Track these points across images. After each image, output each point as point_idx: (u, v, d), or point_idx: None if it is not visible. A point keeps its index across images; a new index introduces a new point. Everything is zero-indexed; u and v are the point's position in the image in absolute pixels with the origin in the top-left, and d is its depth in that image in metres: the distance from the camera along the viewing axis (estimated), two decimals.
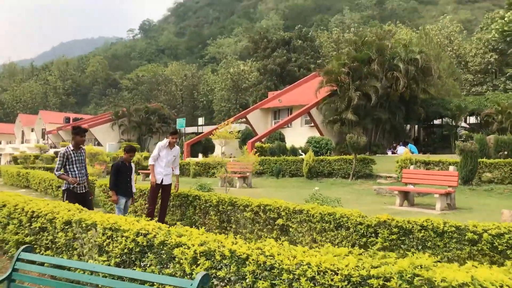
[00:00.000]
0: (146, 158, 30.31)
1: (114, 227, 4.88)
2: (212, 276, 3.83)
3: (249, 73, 70.41)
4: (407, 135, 35.22)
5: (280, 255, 3.62)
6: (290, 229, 7.13)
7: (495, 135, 21.33)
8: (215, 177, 22.29)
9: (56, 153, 42.21)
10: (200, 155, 33.72)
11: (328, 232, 6.62)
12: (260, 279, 3.54)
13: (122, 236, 4.69)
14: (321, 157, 21.60)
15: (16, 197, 7.51)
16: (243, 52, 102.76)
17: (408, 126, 36.29)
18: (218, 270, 3.85)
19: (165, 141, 8.83)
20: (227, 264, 3.81)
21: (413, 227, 5.94)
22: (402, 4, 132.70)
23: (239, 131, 17.28)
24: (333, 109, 31.45)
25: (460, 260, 5.57)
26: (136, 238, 4.56)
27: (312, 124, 34.50)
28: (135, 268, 4.55)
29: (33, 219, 6.26)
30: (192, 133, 50.07)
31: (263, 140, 30.23)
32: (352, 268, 3.28)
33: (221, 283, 3.82)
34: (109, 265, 4.70)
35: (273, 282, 3.48)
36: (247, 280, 3.61)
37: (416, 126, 37.58)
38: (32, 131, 71.87)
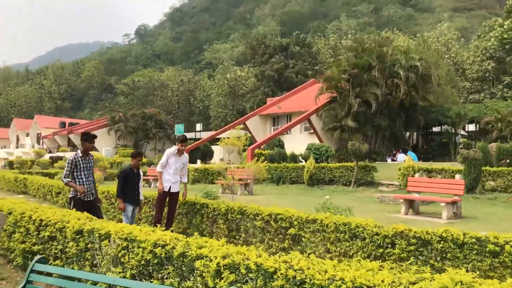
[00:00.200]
0: (143, 164, 30.14)
1: (130, 237, 4.73)
2: None
3: (246, 79, 70.30)
4: (406, 142, 35.17)
5: (310, 269, 3.49)
6: (303, 239, 6.99)
7: (497, 143, 21.29)
8: (214, 183, 22.12)
9: (52, 158, 41.92)
10: (199, 161, 33.54)
11: (343, 243, 6.48)
12: None
13: (139, 247, 4.54)
14: (322, 164, 21.48)
15: (22, 204, 7.34)
16: (239, 58, 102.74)
17: (408, 134, 36.24)
18: (243, 284, 3.71)
19: (173, 148, 8.67)
20: (253, 278, 3.67)
21: (431, 238, 5.81)
22: (399, 11, 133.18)
23: (247, 138, 17.01)
24: (333, 116, 31.37)
25: (481, 272, 5.45)
26: (154, 250, 4.41)
27: (312, 131, 34.40)
28: (152, 280, 4.40)
29: (41, 227, 6.10)
30: (190, 139, 49.86)
31: (262, 146, 30.11)
32: (389, 284, 3.14)
33: None
34: (124, 277, 4.54)
35: None
36: None
37: (415, 134, 37.56)
38: (27, 135, 71.44)
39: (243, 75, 71.07)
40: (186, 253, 4.16)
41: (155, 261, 4.38)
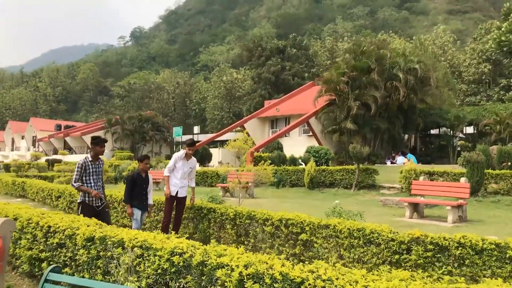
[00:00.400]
0: None
1: (145, 245, 4.59)
2: None
3: (243, 81, 70.25)
4: (404, 145, 35.14)
5: (339, 279, 3.35)
6: (315, 245, 6.85)
7: (498, 146, 21.26)
8: (213, 186, 21.97)
9: (48, 161, 41.62)
10: (197, 164, 33.39)
11: (357, 249, 6.35)
12: None
13: (155, 255, 4.39)
14: (323, 167, 21.38)
15: (27, 210, 7.18)
16: (235, 60, 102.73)
17: (406, 136, 36.21)
18: None
19: (181, 152, 8.52)
20: None
21: (449, 244, 5.69)
22: (394, 14, 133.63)
23: (253, 141, 16.93)
24: (332, 118, 31.29)
25: (502, 279, 5.33)
26: (171, 258, 4.26)
27: (310, 134, 34.33)
28: None
29: (49, 234, 5.93)
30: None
31: (260, 149, 30.00)
32: None
33: None
34: (139, 286, 4.40)
35: None
36: None
37: (413, 136, 37.55)
38: (22, 138, 71.03)
39: (239, 77, 71.00)
40: (206, 262, 4.02)
41: (173, 270, 4.23)
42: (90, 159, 7.46)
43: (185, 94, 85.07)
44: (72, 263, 5.49)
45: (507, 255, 5.37)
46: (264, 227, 7.59)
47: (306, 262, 4.49)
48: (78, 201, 7.52)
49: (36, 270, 6.18)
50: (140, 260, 4.53)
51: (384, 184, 19.56)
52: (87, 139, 52.75)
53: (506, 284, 3.09)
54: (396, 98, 29.41)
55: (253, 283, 3.64)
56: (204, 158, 33.88)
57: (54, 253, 5.81)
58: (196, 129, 49.02)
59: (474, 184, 15.58)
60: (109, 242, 4.92)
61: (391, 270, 3.86)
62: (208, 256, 4.09)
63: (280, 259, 3.93)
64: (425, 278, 3.47)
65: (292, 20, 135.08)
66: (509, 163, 18.76)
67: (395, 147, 32.80)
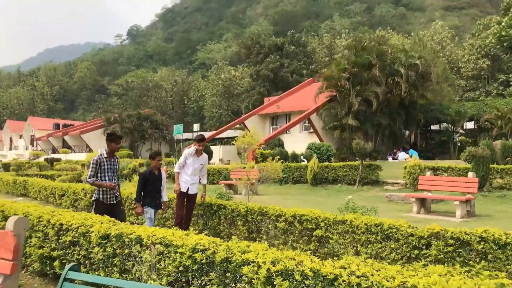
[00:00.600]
0: (141, 165, 29.77)
1: (165, 242, 4.46)
2: None
3: (241, 78, 70.06)
4: (405, 140, 35.05)
5: (375, 276, 3.23)
6: (330, 241, 6.74)
7: (502, 141, 21.16)
8: (214, 183, 21.84)
9: (47, 159, 41.39)
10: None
11: (375, 244, 6.24)
12: None
13: (176, 252, 4.26)
14: (325, 164, 21.25)
15: (36, 207, 7.04)
16: (233, 58, 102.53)
17: (407, 132, 36.11)
18: None
19: (192, 149, 8.36)
20: (310, 285, 3.41)
21: (471, 238, 5.58)
22: (391, 10, 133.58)
23: (266, 140, 16.76)
24: (333, 114, 31.17)
25: None
26: (193, 255, 4.14)
27: (311, 130, 34.20)
28: None
29: (61, 232, 5.79)
30: (185, 139, 49.48)
31: (261, 146, 29.88)
32: None
33: None
34: (160, 284, 4.27)
35: None
36: None
37: (413, 132, 37.46)
38: (20, 137, 70.76)
39: (237, 75, 70.79)
40: (230, 259, 3.90)
41: (195, 267, 4.10)
42: (105, 155, 7.37)
43: (183, 92, 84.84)
44: (87, 261, 5.37)
45: None
46: (276, 223, 7.48)
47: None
48: (93, 199, 7.45)
49: (48, 269, 6.05)
50: (160, 257, 4.41)
51: (387, 180, 19.46)
52: (86, 137, 52.58)
53: None
54: (397, 93, 29.32)
55: (282, 280, 3.52)
56: None
57: (67, 251, 5.68)
58: (196, 126, 48.69)
59: (479, 179, 15.45)
60: (126, 240, 4.80)
61: (426, 265, 3.75)
62: (232, 253, 3.97)
63: (308, 255, 3.82)
64: (463, 273, 3.34)
65: (289, 17, 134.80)
66: None
67: (396, 143, 32.70)
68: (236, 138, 12.68)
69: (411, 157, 28.30)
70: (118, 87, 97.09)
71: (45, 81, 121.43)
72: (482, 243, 5.51)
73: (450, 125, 32.97)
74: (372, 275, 3.25)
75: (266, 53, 62.19)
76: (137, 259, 4.52)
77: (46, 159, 41.12)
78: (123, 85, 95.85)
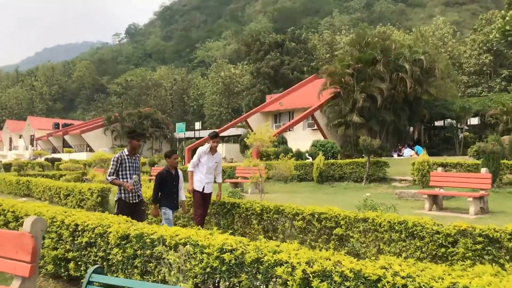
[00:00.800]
0: (143, 164, 29.66)
1: (190, 242, 4.28)
2: None
3: (241, 76, 69.84)
4: (410, 137, 34.88)
5: (421, 276, 3.05)
6: (351, 240, 6.56)
7: (510, 136, 21.00)
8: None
9: (47, 159, 41.19)
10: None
11: (398, 243, 6.07)
12: None
13: (202, 253, 4.08)
14: (331, 161, 21.11)
15: (47, 207, 6.86)
16: (232, 56, 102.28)
17: (411, 128, 35.93)
18: None
19: (206, 147, 8.10)
20: (350, 287, 3.22)
21: (500, 236, 5.40)
22: (391, 6, 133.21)
23: (275, 135, 16.53)
24: (337, 111, 31.00)
25: None
26: (221, 255, 3.95)
27: (315, 127, 34.01)
28: None
29: (77, 233, 5.61)
30: (187, 138, 49.33)
31: (274, 142, 29.69)
32: None
33: None
34: (186, 286, 4.09)
35: None
36: None
37: (417, 128, 37.29)
38: (20, 137, 70.54)
39: (237, 72, 70.56)
40: (262, 259, 3.71)
41: (223, 268, 3.92)
42: (127, 153, 7.23)
43: (183, 90, 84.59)
44: (104, 263, 5.18)
45: None
46: (294, 222, 7.31)
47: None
48: (115, 199, 7.31)
49: (62, 270, 5.87)
50: (185, 258, 4.22)
51: (395, 176, 19.30)
52: (86, 137, 52.39)
53: None
54: (401, 89, 29.14)
55: (320, 282, 3.34)
56: None
57: (83, 252, 5.50)
58: (197, 125, 48.59)
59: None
60: (148, 240, 4.62)
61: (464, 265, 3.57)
62: (263, 253, 3.79)
63: (344, 255, 3.65)
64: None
65: (288, 14, 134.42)
66: None
67: (401, 139, 32.54)
68: (248, 135, 12.49)
69: (416, 153, 28.15)
70: (117, 86, 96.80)
71: (44, 80, 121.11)
72: None
73: (454, 121, 32.79)
74: (417, 275, 3.07)
75: (267, 50, 61.93)
76: (162, 260, 4.34)
77: (46, 159, 40.92)
78: (122, 84, 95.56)
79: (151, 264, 4.53)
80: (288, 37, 65.17)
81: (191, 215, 8.99)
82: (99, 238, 5.23)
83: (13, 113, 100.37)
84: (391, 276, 3.09)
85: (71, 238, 5.68)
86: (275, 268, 3.59)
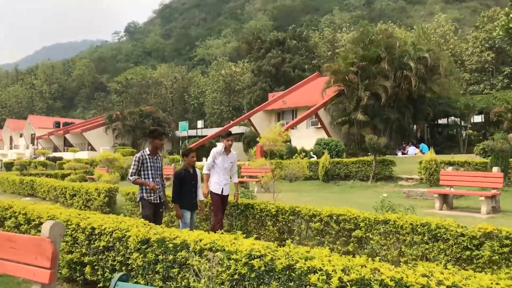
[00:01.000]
0: None
1: (215, 247, 4.14)
2: None
3: (241, 74, 69.67)
4: (413, 135, 34.75)
5: (467, 286, 2.92)
6: (371, 242, 6.43)
7: None
8: None
9: (48, 158, 41.04)
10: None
11: (421, 245, 5.93)
12: None
13: (230, 259, 3.93)
14: (337, 159, 20.99)
15: (62, 210, 6.73)
16: (232, 54, 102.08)
17: (415, 126, 35.79)
18: None
19: (220, 147, 7.90)
20: None
21: None
22: (391, 4, 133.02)
23: (286, 134, 16.31)
24: (341, 109, 30.88)
25: None
26: (250, 262, 3.81)
27: (319, 126, 33.88)
28: None
29: (93, 236, 5.47)
30: (190, 136, 49.22)
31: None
32: None
33: None
34: None
35: None
36: None
37: (420, 126, 37.15)
38: (20, 136, 70.37)
39: (238, 70, 70.38)
40: (294, 266, 3.57)
41: (253, 275, 3.78)
42: (148, 152, 7.07)
43: (183, 88, 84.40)
44: (123, 268, 5.04)
45: None
46: (310, 223, 7.17)
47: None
48: (138, 199, 7.18)
49: (77, 275, 5.73)
50: (211, 264, 4.08)
51: (401, 175, 19.19)
52: (88, 136, 52.22)
53: None
54: (405, 87, 29.01)
55: None
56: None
57: (100, 257, 5.36)
58: (200, 123, 48.47)
59: None
60: (170, 245, 4.48)
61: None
62: (293, 259, 3.65)
63: (380, 262, 3.51)
64: None
65: (288, 12, 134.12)
66: None
67: (404, 137, 32.41)
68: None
69: (421, 151, 28.01)
70: (117, 85, 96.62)
71: (44, 79, 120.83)
72: None
73: (459, 118, 32.65)
74: (464, 285, 2.94)
75: (268, 48, 61.71)
76: (186, 266, 4.20)
77: (48, 158, 40.74)
78: (122, 82, 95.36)
79: (174, 270, 4.39)
80: (289, 35, 64.97)
81: (202, 216, 8.84)
82: (118, 242, 5.09)
83: (13, 111, 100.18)
84: (436, 285, 2.96)
85: (87, 241, 5.55)
86: (309, 275, 3.45)
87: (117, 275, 3.58)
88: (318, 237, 7.08)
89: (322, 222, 7.00)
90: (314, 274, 3.42)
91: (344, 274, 3.30)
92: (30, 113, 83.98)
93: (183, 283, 4.30)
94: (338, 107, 31.28)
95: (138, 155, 7.05)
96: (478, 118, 35.79)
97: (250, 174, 18.93)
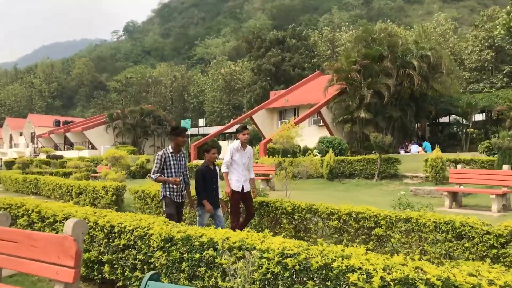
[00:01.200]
0: (148, 161, 29.35)
1: (245, 246, 4.03)
2: None
3: (241, 73, 69.58)
4: (416, 133, 34.69)
5: None
6: (392, 240, 6.32)
7: None
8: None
9: (48, 157, 40.86)
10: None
11: (444, 243, 5.83)
12: None
13: (261, 258, 3.83)
14: (341, 157, 20.91)
15: (77, 208, 6.61)
16: (231, 53, 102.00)
17: (417, 125, 35.73)
18: None
19: (237, 143, 7.68)
20: None
21: None
22: (389, 3, 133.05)
23: (296, 131, 16.13)
24: (344, 107, 30.79)
25: None
26: (283, 260, 3.70)
27: (321, 124, 33.80)
28: None
29: (113, 234, 5.35)
30: (195, 134, 49.11)
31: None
32: None
33: None
34: None
35: None
36: None
37: (421, 124, 37.10)
38: (20, 135, 70.21)
39: (237, 69, 70.29)
40: (331, 265, 3.47)
41: (286, 275, 3.67)
42: (171, 150, 6.92)
43: (183, 87, 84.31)
44: (144, 267, 4.93)
45: None
46: (328, 221, 7.05)
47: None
48: (160, 197, 7.03)
49: (95, 273, 5.62)
50: (240, 263, 3.97)
51: (406, 173, 19.12)
52: (88, 134, 52.08)
53: None
54: (407, 86, 28.95)
55: None
56: None
57: (120, 255, 5.24)
58: (201, 122, 48.40)
59: None
60: (196, 243, 4.37)
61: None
62: (329, 258, 3.55)
63: (421, 260, 3.41)
64: None
65: (287, 11, 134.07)
66: None
67: (406, 136, 32.36)
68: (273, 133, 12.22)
69: (424, 150, 27.95)
70: (117, 83, 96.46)
71: (43, 78, 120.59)
72: None
73: (461, 117, 32.60)
74: None
75: (268, 47, 61.58)
76: (216, 266, 4.09)
77: (48, 156, 40.58)
78: (122, 81, 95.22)
79: (201, 269, 4.28)
80: (289, 34, 64.83)
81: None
82: (140, 241, 4.98)
83: (12, 110, 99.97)
84: (488, 285, 2.86)
85: (106, 240, 5.43)
86: (347, 275, 3.35)
87: (148, 274, 3.46)
88: (336, 235, 6.97)
89: (341, 220, 6.89)
90: (353, 273, 3.32)
91: (386, 273, 3.20)
92: (29, 112, 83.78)
93: (211, 282, 4.19)
94: (341, 105, 31.20)
95: (160, 153, 6.89)
96: (478, 117, 35.74)
97: (257, 172, 18.84)
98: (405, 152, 29.19)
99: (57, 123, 64.65)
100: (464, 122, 33.45)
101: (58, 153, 47.94)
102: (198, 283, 4.31)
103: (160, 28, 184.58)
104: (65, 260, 4.05)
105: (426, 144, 29.24)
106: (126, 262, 5.15)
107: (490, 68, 50.30)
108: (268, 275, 3.75)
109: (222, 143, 37.81)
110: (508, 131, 21.28)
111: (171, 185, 6.86)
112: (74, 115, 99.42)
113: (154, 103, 75.77)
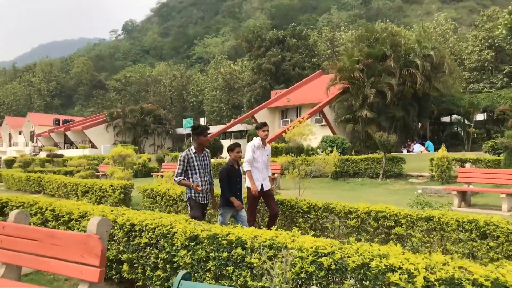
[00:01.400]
0: (149, 159, 29.26)
1: (276, 245, 3.94)
2: None
3: (241, 72, 69.46)
4: (418, 133, 34.65)
5: None
6: (412, 239, 6.23)
7: None
8: None
9: (49, 155, 40.67)
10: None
11: (468, 242, 5.75)
12: None
13: (295, 257, 3.74)
14: (346, 157, 20.84)
15: (94, 206, 6.51)
16: (230, 52, 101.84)
17: (420, 124, 35.68)
18: None
19: (257, 141, 7.50)
20: None
21: None
22: (388, 3, 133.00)
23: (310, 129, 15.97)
24: (346, 107, 30.74)
25: None
26: (318, 260, 3.62)
27: (323, 123, 33.73)
28: None
29: (133, 233, 5.25)
30: (189, 134, 48.99)
31: (273, 140, 29.39)
32: None
33: None
34: None
35: None
36: None
37: (424, 124, 37.06)
38: (20, 133, 70.00)
39: (237, 68, 70.17)
40: (368, 264, 3.38)
41: (321, 274, 3.58)
42: (194, 150, 6.66)
43: (182, 86, 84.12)
44: (167, 266, 4.83)
45: None
46: (346, 220, 6.96)
47: None
48: (185, 199, 6.82)
49: (113, 273, 5.50)
50: (272, 262, 3.88)
51: (411, 172, 19.06)
52: (88, 133, 51.92)
53: None
54: (410, 85, 28.90)
55: None
56: (216, 150, 33.23)
57: (140, 254, 5.14)
58: (202, 121, 48.22)
59: None
60: (224, 242, 4.28)
61: None
62: (366, 257, 3.46)
63: (463, 259, 3.32)
64: None
65: (286, 10, 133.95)
66: None
67: (408, 135, 32.31)
68: (286, 130, 12.10)
69: (426, 149, 27.90)
70: (116, 82, 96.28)
71: (42, 77, 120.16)
72: None
73: (463, 117, 32.56)
74: None
75: (267, 47, 61.42)
76: (245, 265, 3.99)
77: (48, 155, 40.42)
78: (121, 80, 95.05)
79: (229, 268, 4.18)
80: (289, 33, 64.66)
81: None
82: (162, 239, 4.88)
83: (11, 109, 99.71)
84: None
85: (126, 238, 5.33)
86: (387, 274, 3.26)
87: (180, 273, 3.37)
88: (354, 234, 6.88)
89: (359, 219, 6.80)
90: (393, 273, 3.24)
91: (429, 273, 3.11)
92: (28, 111, 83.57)
93: (239, 282, 4.10)
94: (343, 105, 31.16)
95: (183, 154, 6.65)
96: (479, 116, 35.71)
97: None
98: (408, 151, 29.15)
99: (57, 122, 64.46)
100: (466, 122, 33.37)
101: (58, 151, 47.78)
102: (226, 282, 4.22)
103: (159, 27, 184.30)
104: (90, 259, 3.96)
105: (429, 143, 29.19)
106: (147, 261, 5.05)
107: (490, 68, 50.32)
108: (302, 275, 3.67)
109: (222, 142, 37.72)
110: (511, 130, 21.21)
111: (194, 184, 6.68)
112: (73, 114, 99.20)
113: (154, 102, 75.61)
